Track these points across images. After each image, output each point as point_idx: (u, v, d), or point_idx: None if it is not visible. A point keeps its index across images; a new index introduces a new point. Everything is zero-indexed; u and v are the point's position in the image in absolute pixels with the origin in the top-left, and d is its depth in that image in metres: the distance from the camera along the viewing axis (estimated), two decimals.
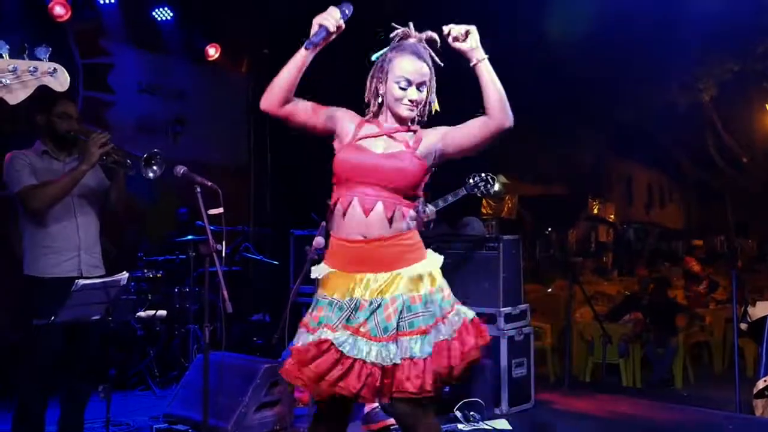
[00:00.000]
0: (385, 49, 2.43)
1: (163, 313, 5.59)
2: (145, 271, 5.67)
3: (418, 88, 2.38)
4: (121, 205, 3.64)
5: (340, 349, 2.26)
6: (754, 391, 4.92)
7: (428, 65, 2.40)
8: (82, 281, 3.12)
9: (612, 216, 20.02)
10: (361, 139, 2.42)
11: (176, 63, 7.07)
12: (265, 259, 6.35)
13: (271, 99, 2.40)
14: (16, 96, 1.83)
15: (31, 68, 1.81)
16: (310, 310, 2.43)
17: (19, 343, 3.42)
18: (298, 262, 5.99)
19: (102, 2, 6.15)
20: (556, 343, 6.50)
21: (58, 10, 5.76)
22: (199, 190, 3.18)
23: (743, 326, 5.71)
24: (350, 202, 2.37)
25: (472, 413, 4.50)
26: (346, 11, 2.30)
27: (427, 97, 2.42)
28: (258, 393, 4.03)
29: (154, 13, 6.64)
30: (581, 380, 6.30)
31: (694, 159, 15.40)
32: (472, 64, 2.32)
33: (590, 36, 7.85)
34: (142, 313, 5.51)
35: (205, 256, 3.20)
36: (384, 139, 2.43)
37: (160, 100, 7.01)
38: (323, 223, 3.38)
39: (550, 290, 8.30)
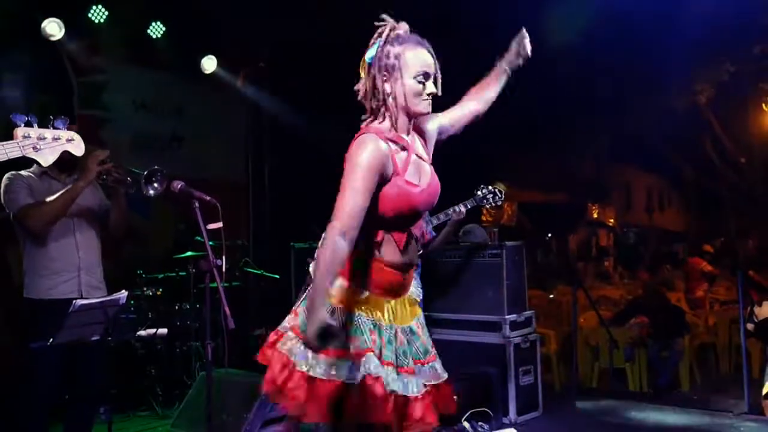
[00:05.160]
0: (375, 47, 2.22)
1: (164, 331, 5.53)
2: (144, 289, 5.61)
3: (434, 81, 2.22)
4: (123, 226, 3.60)
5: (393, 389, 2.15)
6: (763, 392, 4.89)
7: (434, 57, 2.24)
8: (79, 302, 3.08)
9: (612, 220, 20.02)
10: (405, 171, 2.22)
11: (172, 79, 7.04)
12: (265, 273, 6.30)
13: None
14: (46, 159, 2.24)
15: (56, 136, 2.23)
16: (359, 332, 2.17)
17: (20, 367, 3.36)
18: (298, 275, 5.96)
19: (96, 20, 6.13)
20: (561, 349, 6.45)
21: (52, 29, 5.74)
22: (197, 205, 3.13)
23: (750, 327, 5.68)
24: (409, 236, 2.27)
25: (480, 423, 4.44)
26: None
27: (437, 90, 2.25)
28: (262, 410, 3.98)
29: (148, 30, 6.61)
30: (587, 386, 6.25)
31: (692, 161, 15.42)
32: (507, 67, 2.54)
33: (586, 41, 7.86)
34: (142, 332, 5.44)
35: (206, 272, 3.16)
36: (416, 161, 2.26)
37: (156, 117, 6.97)
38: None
39: (552, 296, 8.27)
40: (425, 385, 2.24)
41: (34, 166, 3.49)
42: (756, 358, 6.24)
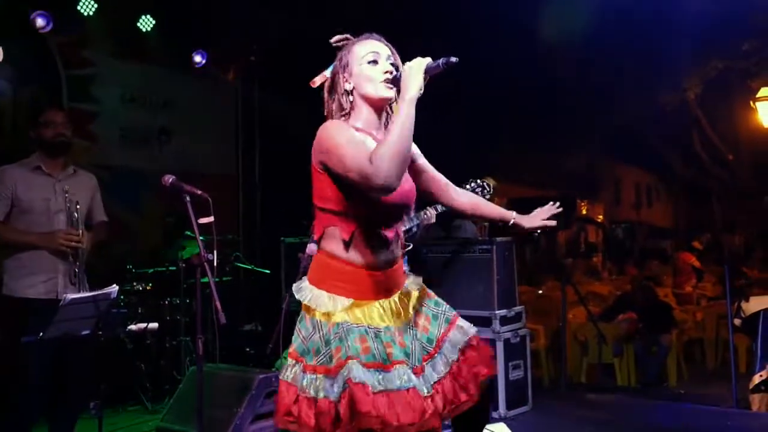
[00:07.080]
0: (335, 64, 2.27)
1: (155, 325, 5.51)
2: (134, 283, 5.59)
3: (388, 61, 2.18)
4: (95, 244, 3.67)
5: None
6: (750, 386, 4.94)
7: (389, 46, 2.23)
8: (70, 295, 3.06)
9: (600, 216, 20.08)
10: None
11: (162, 72, 7.00)
12: (255, 268, 6.28)
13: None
14: None
15: None
16: (341, 343, 2.08)
17: (9, 363, 3.35)
18: (288, 270, 5.94)
19: (85, 12, 6.07)
20: (550, 344, 6.48)
21: (40, 22, 5.67)
22: (188, 199, 3.12)
23: (737, 322, 5.73)
24: (376, 232, 2.17)
25: None
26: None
27: (398, 73, 2.14)
28: (253, 404, 3.97)
29: (138, 23, 6.56)
30: (576, 381, 6.29)
31: (681, 157, 15.49)
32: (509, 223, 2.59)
33: (576, 37, 7.88)
34: (133, 327, 5.43)
35: (196, 267, 3.14)
36: None
37: (145, 110, 6.94)
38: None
39: (541, 292, 8.29)
40: (437, 381, 2.21)
41: (33, 156, 3.49)
42: (743, 353, 6.30)
